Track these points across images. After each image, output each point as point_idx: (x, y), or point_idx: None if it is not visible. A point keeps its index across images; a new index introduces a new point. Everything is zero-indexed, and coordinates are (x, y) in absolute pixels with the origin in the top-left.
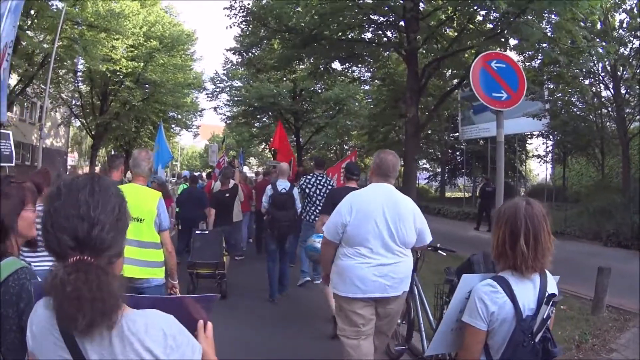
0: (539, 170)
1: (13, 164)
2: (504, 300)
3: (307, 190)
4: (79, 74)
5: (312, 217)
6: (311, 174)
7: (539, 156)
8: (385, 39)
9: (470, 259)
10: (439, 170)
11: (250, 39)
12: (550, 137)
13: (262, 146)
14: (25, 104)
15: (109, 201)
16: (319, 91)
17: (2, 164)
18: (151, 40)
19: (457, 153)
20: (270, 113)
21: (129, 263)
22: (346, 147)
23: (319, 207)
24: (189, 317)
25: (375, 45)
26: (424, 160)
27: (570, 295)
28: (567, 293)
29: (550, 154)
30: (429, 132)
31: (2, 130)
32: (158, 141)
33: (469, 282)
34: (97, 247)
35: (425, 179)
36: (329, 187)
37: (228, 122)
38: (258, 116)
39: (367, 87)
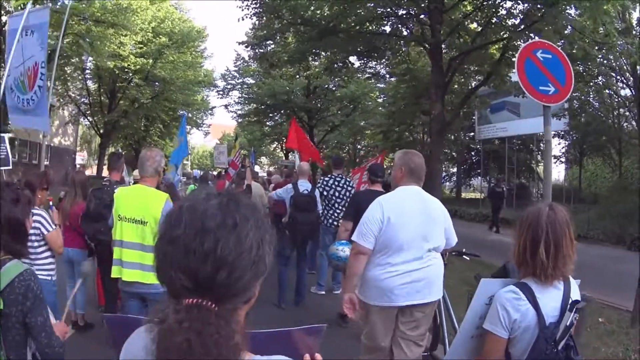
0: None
1: (10, 167)
2: (527, 307)
3: (324, 193)
4: (87, 71)
5: (331, 221)
6: (329, 175)
7: (554, 156)
8: (405, 32)
9: (506, 266)
10: (452, 170)
11: (263, 32)
12: (567, 137)
13: (274, 145)
14: None
15: (247, 236)
16: (333, 88)
17: None
18: (160, 36)
19: (472, 153)
20: (282, 111)
21: (130, 267)
22: (359, 146)
23: (338, 211)
24: (296, 350)
25: (396, 38)
26: None
27: (607, 306)
28: (602, 304)
29: (566, 155)
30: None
31: None
32: (181, 134)
33: (488, 287)
34: (221, 293)
35: None
36: (349, 189)
37: (239, 120)
38: (270, 114)
39: (382, 86)
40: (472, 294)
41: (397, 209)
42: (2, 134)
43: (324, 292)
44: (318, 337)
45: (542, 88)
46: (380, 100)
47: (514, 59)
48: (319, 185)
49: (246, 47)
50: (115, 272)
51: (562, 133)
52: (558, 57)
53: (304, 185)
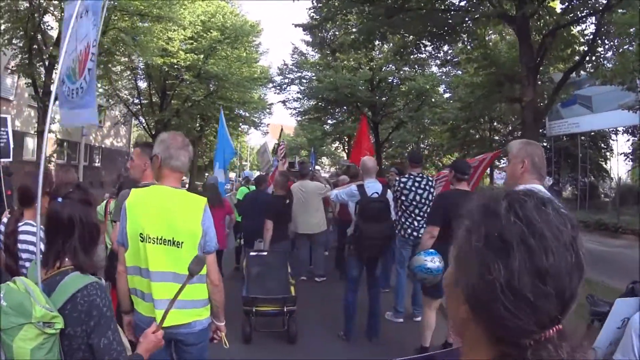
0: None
1: (10, 159)
2: None
3: (402, 197)
4: (139, 71)
5: (410, 231)
6: (407, 175)
7: (624, 154)
8: (482, 8)
9: (635, 288)
10: None
11: (323, 13)
12: (635, 132)
13: (336, 145)
14: None
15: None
16: (398, 82)
17: None
18: (211, 31)
19: None
20: (345, 107)
21: (163, 307)
22: (422, 145)
23: (418, 218)
24: None
25: (475, 14)
26: (504, 160)
27: None
28: None
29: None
30: (509, 127)
31: None
32: (220, 132)
33: (624, 307)
34: (571, 306)
35: (502, 178)
36: (432, 191)
37: (298, 118)
38: (332, 111)
39: (448, 80)
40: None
41: None
42: (5, 116)
43: (402, 320)
44: None
45: None
46: (446, 95)
47: (607, 39)
48: (396, 187)
49: (303, 30)
50: (146, 309)
51: (631, 129)
52: None
53: (373, 187)
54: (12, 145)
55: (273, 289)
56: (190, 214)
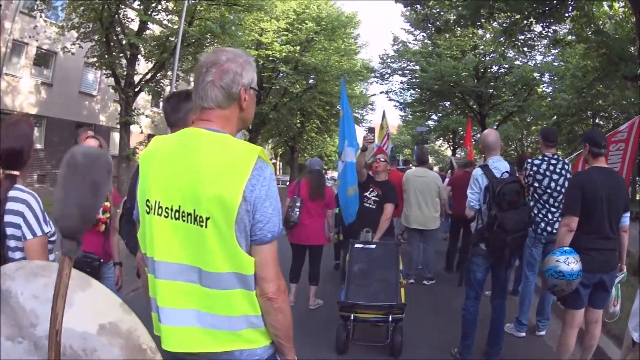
0: None
1: None
2: None
3: (535, 184)
4: None
5: (543, 225)
6: (540, 157)
7: None
8: None
9: None
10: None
11: None
12: None
13: (439, 142)
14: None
15: None
16: (503, 71)
17: None
18: (306, 22)
19: None
20: (449, 102)
21: (173, 321)
22: (526, 143)
23: (553, 209)
24: None
25: None
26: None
27: None
28: None
29: None
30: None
31: None
32: (343, 105)
33: None
34: None
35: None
36: (568, 176)
37: (402, 113)
38: (436, 104)
39: (556, 64)
40: None
41: None
42: None
43: (524, 334)
44: None
45: None
46: (549, 89)
47: None
48: (528, 171)
49: (404, 6)
50: (156, 326)
51: None
52: None
53: (501, 165)
54: None
55: (378, 293)
56: (227, 173)
